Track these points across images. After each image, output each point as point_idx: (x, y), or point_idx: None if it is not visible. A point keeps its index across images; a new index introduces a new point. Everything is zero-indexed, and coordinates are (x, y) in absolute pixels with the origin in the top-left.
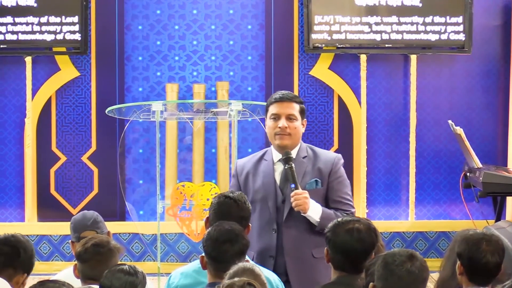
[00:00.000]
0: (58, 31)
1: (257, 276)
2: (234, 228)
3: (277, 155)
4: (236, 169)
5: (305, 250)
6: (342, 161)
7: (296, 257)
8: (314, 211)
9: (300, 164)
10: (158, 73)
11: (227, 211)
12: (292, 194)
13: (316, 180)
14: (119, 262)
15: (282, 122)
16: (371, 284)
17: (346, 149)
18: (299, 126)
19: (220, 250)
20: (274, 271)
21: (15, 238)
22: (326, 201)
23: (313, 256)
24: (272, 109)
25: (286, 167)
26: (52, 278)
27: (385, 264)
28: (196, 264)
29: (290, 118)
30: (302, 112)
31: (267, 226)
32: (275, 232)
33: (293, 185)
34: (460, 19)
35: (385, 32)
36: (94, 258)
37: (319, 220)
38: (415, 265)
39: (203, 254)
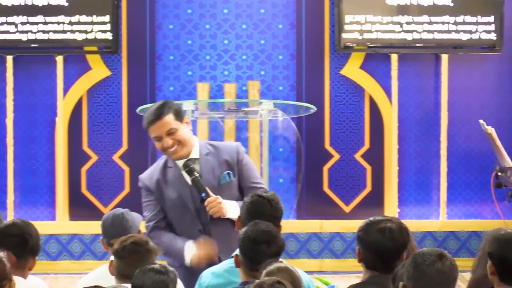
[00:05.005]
0: (89, 30)
1: (291, 274)
2: (271, 229)
3: (179, 160)
4: (144, 183)
5: (236, 245)
6: (243, 148)
7: (230, 252)
8: (232, 211)
9: (205, 162)
10: (189, 73)
11: (260, 210)
12: (205, 203)
13: (228, 173)
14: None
15: (166, 142)
16: (401, 283)
17: (377, 148)
18: (183, 132)
19: (257, 251)
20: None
21: (17, 226)
22: (239, 190)
23: None
24: (151, 133)
25: (191, 178)
26: (84, 277)
27: (416, 264)
28: (227, 264)
29: (170, 133)
30: (178, 116)
31: (191, 228)
32: (202, 232)
33: (204, 194)
34: (491, 19)
35: (416, 31)
36: (131, 256)
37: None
38: (445, 264)
39: (237, 253)
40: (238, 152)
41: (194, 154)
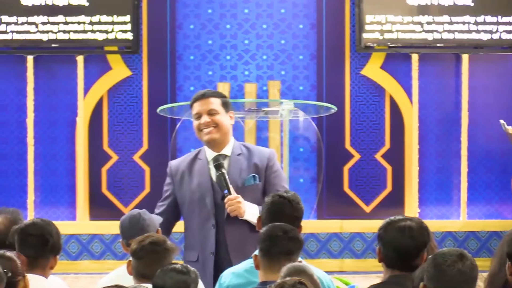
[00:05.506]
0: (109, 30)
1: (309, 276)
2: (288, 225)
3: (210, 153)
4: (171, 169)
5: (250, 248)
6: (276, 155)
7: (242, 254)
8: (251, 214)
9: (235, 161)
10: (210, 72)
11: (281, 210)
12: (225, 200)
13: (254, 176)
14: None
15: (204, 119)
16: (421, 284)
17: (397, 148)
18: (224, 118)
19: (274, 242)
20: (216, 268)
21: (38, 225)
22: (264, 196)
23: None
24: (194, 110)
25: (217, 174)
26: (104, 277)
27: (436, 264)
28: (247, 264)
29: (211, 113)
30: (225, 105)
31: (206, 222)
32: (214, 228)
33: (226, 191)
34: (511, 19)
35: (437, 31)
36: (150, 256)
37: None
38: (466, 264)
39: (257, 253)
40: (270, 158)
41: (227, 151)
